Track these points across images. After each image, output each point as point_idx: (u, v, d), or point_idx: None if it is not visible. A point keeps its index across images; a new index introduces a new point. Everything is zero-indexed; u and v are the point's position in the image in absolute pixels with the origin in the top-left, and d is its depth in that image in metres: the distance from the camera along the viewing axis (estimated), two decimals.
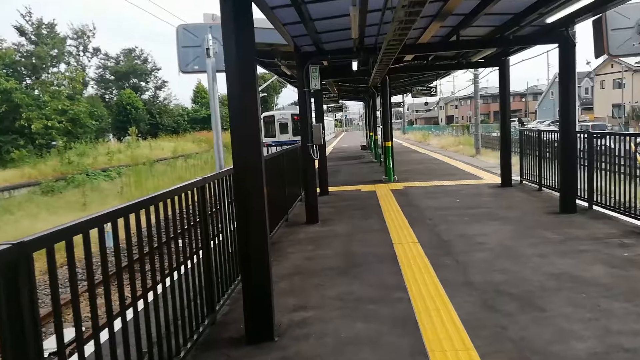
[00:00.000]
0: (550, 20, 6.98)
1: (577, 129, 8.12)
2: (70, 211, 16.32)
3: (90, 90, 59.11)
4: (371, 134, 23.85)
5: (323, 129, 9.30)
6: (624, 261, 5.10)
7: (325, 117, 25.74)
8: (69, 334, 4.38)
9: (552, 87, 62.42)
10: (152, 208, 3.12)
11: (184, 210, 3.64)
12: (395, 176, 12.94)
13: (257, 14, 5.90)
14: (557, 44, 7.67)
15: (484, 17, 7.33)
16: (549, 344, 3.37)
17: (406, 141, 40.46)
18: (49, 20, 48.99)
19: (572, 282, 4.54)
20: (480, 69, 27.81)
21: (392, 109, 17.70)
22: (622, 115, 43.72)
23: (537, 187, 9.94)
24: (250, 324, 3.76)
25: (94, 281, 2.40)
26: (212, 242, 4.15)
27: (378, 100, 18.92)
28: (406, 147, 29.42)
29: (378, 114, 19.93)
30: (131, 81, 64.29)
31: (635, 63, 41.49)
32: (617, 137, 7.19)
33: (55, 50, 47.45)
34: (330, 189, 11.29)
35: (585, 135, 7.87)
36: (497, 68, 11.14)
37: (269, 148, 24.65)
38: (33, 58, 44.68)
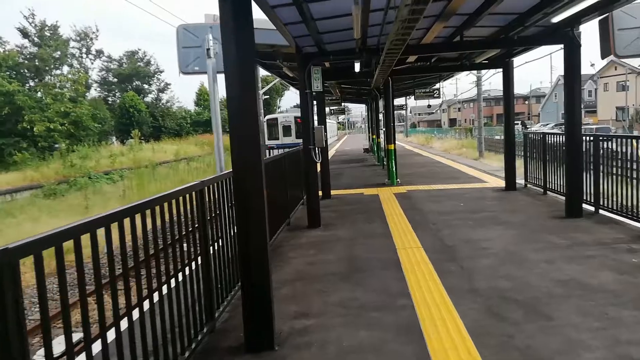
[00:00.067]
0: (555, 20, 6.88)
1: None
2: (73, 214, 16.28)
3: (93, 92, 59.28)
4: (374, 136, 23.77)
5: (325, 131, 9.21)
6: (633, 267, 4.98)
7: (327, 120, 25.69)
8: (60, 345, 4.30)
9: (556, 89, 62.29)
10: (148, 212, 3.04)
11: (182, 214, 3.55)
12: (398, 179, 12.83)
13: (259, 14, 5.84)
14: (562, 45, 7.57)
15: (488, 17, 7.23)
16: (557, 354, 3.27)
17: (409, 144, 40.38)
18: (52, 22, 49.21)
19: (580, 289, 4.43)
20: (483, 72, 27.75)
21: (395, 112, 17.59)
22: (626, 118, 43.52)
23: (542, 190, 9.82)
24: (250, 332, 3.66)
25: (86, 290, 2.31)
26: (211, 247, 4.06)
27: (380, 103, 18.83)
28: (409, 150, 29.33)
29: (380, 116, 19.85)
30: (134, 84, 64.40)
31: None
32: (624, 140, 7.08)
33: (58, 53, 47.51)
34: (333, 192, 11.20)
35: (591, 138, 7.76)
36: (501, 70, 11.03)
37: (271, 151, 24.64)
38: (36, 60, 44.75)
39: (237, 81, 3.51)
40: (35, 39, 46.47)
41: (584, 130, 7.85)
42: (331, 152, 30.25)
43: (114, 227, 2.61)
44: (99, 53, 60.63)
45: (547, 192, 9.63)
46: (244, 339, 3.68)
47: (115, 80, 63.86)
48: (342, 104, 31.00)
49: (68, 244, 2.23)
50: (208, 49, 7.07)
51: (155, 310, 3.04)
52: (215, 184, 4.24)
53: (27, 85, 42.01)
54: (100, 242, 2.43)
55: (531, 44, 9.15)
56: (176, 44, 7.24)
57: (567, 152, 7.75)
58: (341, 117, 73.52)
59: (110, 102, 60.87)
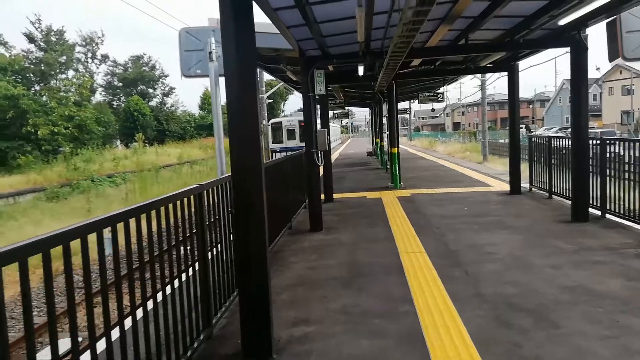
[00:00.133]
0: (561, 22, 6.77)
1: None
2: (75, 217, 16.24)
3: (99, 96, 59.60)
4: (377, 140, 23.67)
5: (328, 134, 9.12)
6: None
7: (331, 124, 25.61)
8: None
9: (560, 93, 62.12)
10: (143, 217, 2.95)
11: (180, 219, 3.46)
12: (401, 183, 12.73)
13: (262, 18, 5.78)
14: (569, 48, 7.47)
15: (494, 20, 7.14)
16: None
17: (412, 148, 40.25)
18: (58, 27, 49.50)
19: (588, 296, 4.31)
20: (487, 75, 27.71)
21: (399, 116, 17.50)
22: (631, 121, 43.27)
23: (547, 194, 9.69)
24: (247, 338, 3.57)
25: (74, 299, 2.23)
26: (209, 252, 3.97)
27: (384, 107, 18.74)
28: (412, 154, 29.21)
29: (384, 120, 19.76)
30: (139, 88, 64.65)
31: None
32: (630, 144, 6.96)
33: (64, 57, 47.79)
34: (335, 195, 11.11)
35: (598, 142, 7.65)
36: (506, 73, 10.93)
37: (274, 154, 24.62)
38: (42, 65, 45.00)
39: (238, 82, 3.44)
40: (42, 43, 46.75)
41: (589, 134, 7.73)
42: (334, 156, 30.16)
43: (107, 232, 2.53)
44: (105, 58, 61.07)
45: (553, 196, 9.51)
46: (241, 346, 3.58)
47: (120, 84, 64.12)
48: (346, 107, 30.93)
49: (58, 250, 2.15)
50: (210, 52, 7.02)
51: (149, 317, 2.95)
52: (215, 188, 4.15)
53: (33, 89, 42.20)
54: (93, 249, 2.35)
55: (537, 47, 9.06)
56: (178, 47, 7.18)
57: (574, 155, 7.64)
58: (345, 121, 73.51)
59: (115, 106, 61.12)
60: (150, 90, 66.69)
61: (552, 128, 49.33)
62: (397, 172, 12.65)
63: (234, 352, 3.63)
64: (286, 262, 6.05)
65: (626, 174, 6.99)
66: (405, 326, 3.89)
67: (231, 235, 4.41)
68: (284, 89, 56.86)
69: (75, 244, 2.23)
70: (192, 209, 3.72)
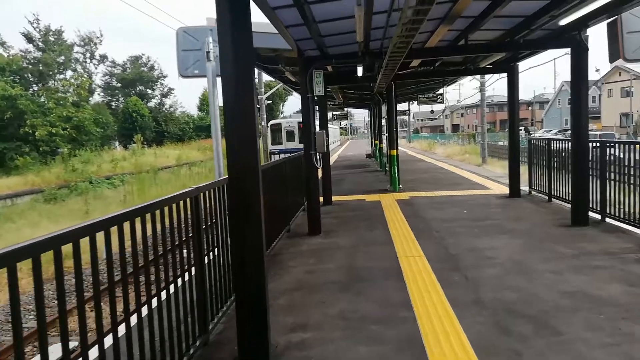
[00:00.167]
0: (562, 23, 6.73)
1: None
2: (72, 219, 16.17)
3: (97, 97, 59.51)
4: (376, 142, 23.64)
5: (327, 136, 9.07)
6: None
7: (330, 125, 25.55)
8: None
9: (559, 95, 62.15)
10: (137, 220, 2.90)
11: (175, 223, 3.41)
12: (400, 185, 12.68)
13: (261, 17, 5.73)
14: (569, 49, 7.43)
15: (494, 20, 7.10)
16: None
17: (412, 150, 40.20)
18: (57, 27, 49.45)
19: (589, 302, 4.26)
20: (487, 77, 27.69)
21: (398, 117, 17.46)
22: (630, 124, 43.28)
23: (547, 197, 9.64)
24: (243, 344, 3.51)
25: (65, 306, 2.17)
26: (206, 256, 3.91)
27: (383, 108, 18.69)
28: (412, 156, 29.16)
29: (383, 121, 19.71)
30: (137, 88, 64.56)
31: None
32: (630, 146, 6.91)
33: (62, 57, 47.72)
34: (334, 198, 11.05)
35: (598, 144, 7.60)
36: (506, 75, 10.89)
37: (272, 156, 24.56)
38: (40, 65, 44.92)
39: (235, 81, 3.37)
40: (40, 43, 46.68)
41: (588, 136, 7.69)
42: (333, 158, 30.11)
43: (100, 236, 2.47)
44: (103, 58, 60.98)
45: (552, 199, 9.46)
46: (238, 352, 3.53)
47: (119, 85, 64.03)
48: (345, 109, 30.92)
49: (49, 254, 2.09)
50: (208, 52, 6.95)
51: (143, 323, 2.89)
52: (211, 190, 4.10)
53: (31, 89, 42.09)
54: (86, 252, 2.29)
55: (537, 47, 9.02)
56: (176, 46, 7.12)
57: (574, 157, 7.59)
58: (344, 122, 73.45)
59: (113, 107, 61.02)
60: (149, 91, 66.66)
61: (551, 130, 49.38)
62: (396, 175, 12.60)
63: (231, 358, 3.57)
64: (284, 266, 5.99)
65: (626, 177, 6.94)
66: (405, 332, 3.83)
67: (228, 239, 4.35)
68: (283, 90, 56.85)
69: (68, 248, 2.18)
70: (189, 212, 3.67)
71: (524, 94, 77.96)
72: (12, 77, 38.73)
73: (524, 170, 10.99)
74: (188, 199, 3.62)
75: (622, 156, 7.03)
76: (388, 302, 4.54)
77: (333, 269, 5.74)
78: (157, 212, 3.14)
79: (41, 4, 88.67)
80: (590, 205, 7.60)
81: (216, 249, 4.18)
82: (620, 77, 48.61)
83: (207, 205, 4.00)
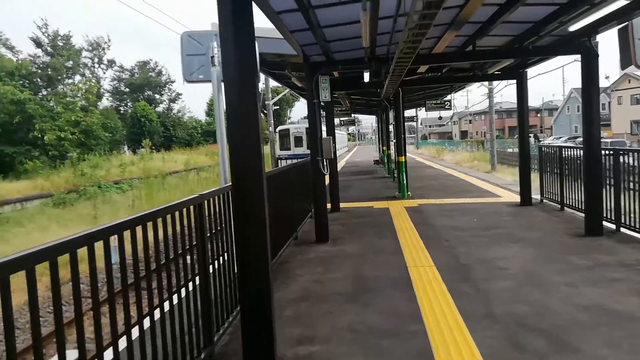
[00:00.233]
0: (571, 29, 6.60)
1: None
2: (81, 224, 16.17)
3: (105, 102, 59.85)
4: (384, 148, 23.51)
5: (334, 142, 8.97)
6: None
7: (337, 131, 25.47)
8: None
9: (568, 102, 61.76)
10: (139, 229, 2.80)
11: (179, 231, 3.31)
12: (409, 192, 12.54)
13: (266, 23, 5.65)
14: (579, 55, 7.29)
15: (502, 26, 6.98)
16: None
17: (420, 156, 40.01)
18: (65, 32, 49.88)
19: (606, 316, 4.11)
20: (495, 83, 27.47)
21: (405, 123, 17.34)
22: None
23: (559, 206, 9.46)
24: (249, 357, 3.40)
25: (63, 318, 2.07)
26: (211, 265, 3.81)
27: (391, 114, 18.59)
28: (420, 162, 29.00)
29: (391, 128, 19.60)
30: (146, 93, 64.92)
31: None
32: None
33: (71, 62, 48.07)
34: (342, 205, 10.94)
35: (611, 152, 7.44)
36: (515, 81, 10.75)
37: (280, 161, 24.50)
38: (49, 69, 45.24)
39: (237, 84, 3.30)
40: (48, 48, 47.06)
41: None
42: (341, 164, 30.00)
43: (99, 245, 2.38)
44: (111, 63, 61.37)
45: (565, 207, 9.28)
46: None
47: (127, 90, 64.42)
48: (352, 115, 30.83)
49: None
50: (213, 57, 6.88)
51: (146, 335, 2.79)
52: (216, 197, 4.00)
53: (40, 94, 42.38)
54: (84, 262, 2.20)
55: (546, 54, 8.88)
56: (180, 51, 7.06)
57: (586, 165, 7.43)
58: (351, 128, 73.46)
59: (122, 112, 61.37)
60: (157, 96, 67.01)
61: (560, 137, 49.01)
62: (405, 182, 12.46)
63: None
64: (292, 275, 5.88)
65: (637, 185, 6.78)
66: (415, 346, 3.71)
67: (233, 247, 4.25)
68: (290, 95, 56.94)
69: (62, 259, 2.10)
70: (192, 220, 3.57)
71: (532, 101, 77.58)
72: (21, 82, 39.00)
73: (534, 178, 10.82)
74: (191, 207, 3.53)
75: (635, 164, 6.87)
76: (398, 313, 4.41)
77: (341, 278, 5.63)
78: (159, 220, 3.05)
79: (41, 4, 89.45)
80: (605, 215, 7.42)
81: (221, 258, 4.08)
82: (630, 84, 48.18)
83: (212, 212, 3.91)
